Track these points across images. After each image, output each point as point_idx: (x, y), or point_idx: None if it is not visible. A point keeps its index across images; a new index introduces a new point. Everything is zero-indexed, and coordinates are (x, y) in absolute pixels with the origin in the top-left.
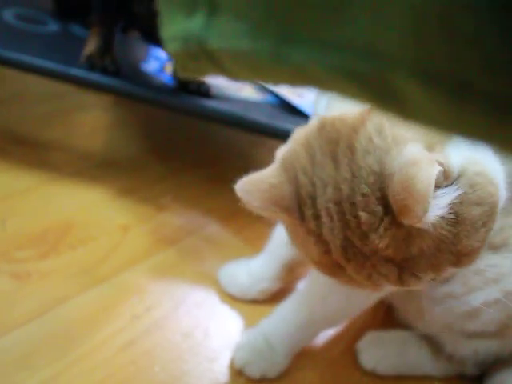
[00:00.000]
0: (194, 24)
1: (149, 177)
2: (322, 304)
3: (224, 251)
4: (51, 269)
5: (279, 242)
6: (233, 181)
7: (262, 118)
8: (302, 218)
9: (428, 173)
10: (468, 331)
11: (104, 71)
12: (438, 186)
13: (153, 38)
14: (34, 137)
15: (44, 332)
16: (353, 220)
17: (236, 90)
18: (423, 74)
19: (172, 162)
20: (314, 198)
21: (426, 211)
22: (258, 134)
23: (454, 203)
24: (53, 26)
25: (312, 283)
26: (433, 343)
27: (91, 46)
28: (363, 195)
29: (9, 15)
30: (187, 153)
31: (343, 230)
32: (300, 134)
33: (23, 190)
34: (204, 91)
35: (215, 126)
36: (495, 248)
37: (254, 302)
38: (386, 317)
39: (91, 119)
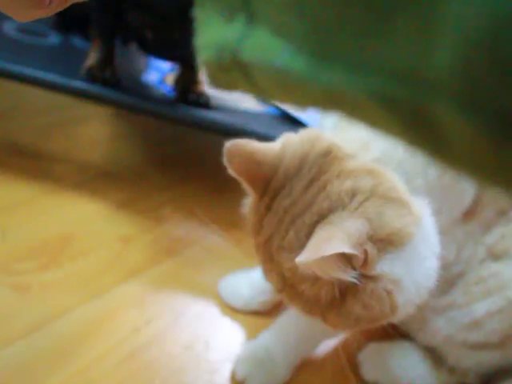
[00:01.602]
0: (231, 32)
1: (149, 188)
2: None
3: (224, 262)
4: (51, 281)
5: None
6: (232, 192)
7: (262, 129)
8: (260, 197)
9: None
10: (471, 342)
11: (104, 83)
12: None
13: (147, 47)
14: (35, 149)
15: (44, 344)
16: (284, 230)
17: (236, 101)
18: (468, 104)
19: (172, 173)
20: (276, 195)
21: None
22: None
23: None
24: (54, 39)
25: None
26: (434, 355)
27: (92, 58)
28: (303, 223)
29: (10, 28)
30: (187, 164)
31: (274, 230)
32: (312, 138)
33: (23, 202)
34: (204, 102)
35: (215, 138)
36: (497, 256)
37: (255, 313)
38: (387, 328)
39: (92, 131)
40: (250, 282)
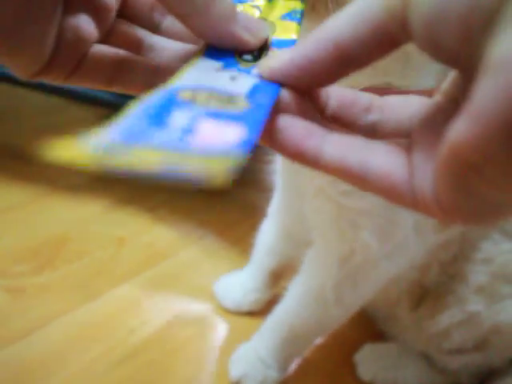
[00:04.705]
0: None
1: (144, 189)
2: (299, 320)
3: (220, 264)
4: (47, 283)
5: (262, 251)
6: (229, 193)
7: None
8: None
9: None
10: (446, 348)
11: None
12: None
13: None
14: (28, 151)
15: (40, 347)
16: None
17: None
18: None
19: None
20: None
21: None
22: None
23: None
24: None
25: (288, 300)
26: (428, 356)
27: None
28: None
29: None
30: None
31: None
32: None
33: (18, 205)
34: None
35: None
36: (451, 276)
37: (251, 314)
38: (382, 329)
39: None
40: (240, 282)
